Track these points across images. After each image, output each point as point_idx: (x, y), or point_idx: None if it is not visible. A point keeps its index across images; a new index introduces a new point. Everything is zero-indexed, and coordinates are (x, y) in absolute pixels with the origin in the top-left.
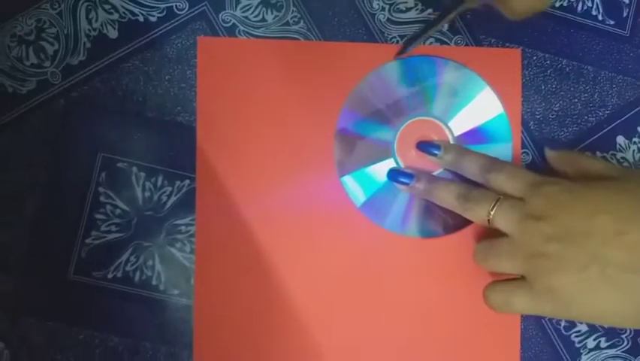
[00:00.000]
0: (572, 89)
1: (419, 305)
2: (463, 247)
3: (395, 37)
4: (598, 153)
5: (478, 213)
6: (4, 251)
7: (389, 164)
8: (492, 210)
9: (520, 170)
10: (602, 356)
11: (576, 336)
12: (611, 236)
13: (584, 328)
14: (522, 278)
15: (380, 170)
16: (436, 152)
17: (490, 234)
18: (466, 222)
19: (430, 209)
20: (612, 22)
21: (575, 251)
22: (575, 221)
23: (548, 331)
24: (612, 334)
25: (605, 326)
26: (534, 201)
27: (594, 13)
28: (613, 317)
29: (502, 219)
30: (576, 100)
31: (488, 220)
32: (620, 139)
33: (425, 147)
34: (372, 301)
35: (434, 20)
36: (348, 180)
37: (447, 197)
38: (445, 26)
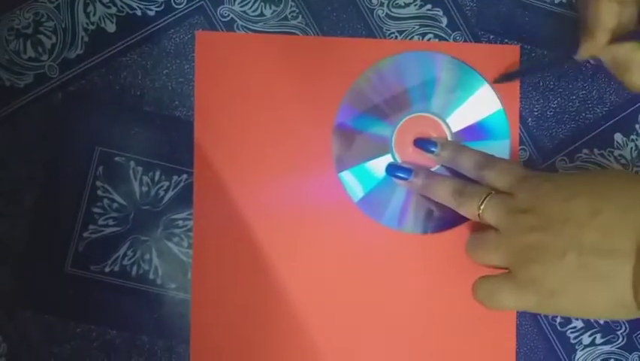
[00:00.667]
0: (570, 85)
1: (416, 301)
2: (460, 242)
3: (394, 32)
4: (595, 150)
5: (470, 208)
6: (1, 245)
7: (387, 160)
8: (481, 205)
9: (512, 166)
10: (597, 352)
11: (571, 332)
12: (586, 218)
13: (579, 324)
14: (509, 272)
15: (378, 166)
16: (433, 149)
17: (483, 228)
18: (463, 219)
19: (427, 205)
20: None
21: (553, 239)
22: (553, 208)
23: (544, 327)
24: (608, 330)
25: (592, 319)
26: (520, 194)
27: None
28: (595, 308)
29: (490, 213)
30: (574, 97)
31: (479, 215)
32: (618, 136)
33: (422, 144)
34: (369, 296)
35: (541, 64)
36: (346, 176)
37: (442, 192)
38: (445, 21)
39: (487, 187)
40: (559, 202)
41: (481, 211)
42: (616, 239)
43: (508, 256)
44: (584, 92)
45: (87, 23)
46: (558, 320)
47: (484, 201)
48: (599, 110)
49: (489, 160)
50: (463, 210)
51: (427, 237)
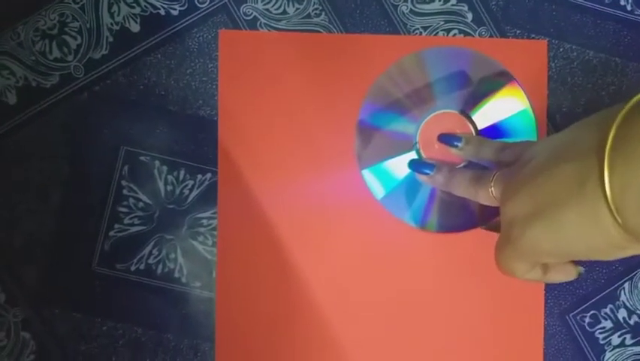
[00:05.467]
0: (599, 81)
1: (440, 299)
2: (485, 241)
3: (418, 28)
4: None
5: (485, 192)
6: (29, 243)
7: (411, 157)
8: (491, 183)
9: (527, 141)
10: (628, 353)
11: (600, 333)
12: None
13: (608, 324)
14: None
15: (402, 163)
16: (457, 143)
17: None
18: (488, 217)
19: (451, 203)
20: None
21: (520, 169)
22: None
23: (572, 327)
24: (638, 330)
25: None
26: (520, 160)
27: (622, 3)
28: (568, 232)
29: (496, 188)
30: (604, 92)
31: (493, 196)
32: None
33: (446, 138)
34: (392, 292)
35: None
36: (369, 173)
37: (462, 184)
38: (470, 16)
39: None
40: (542, 145)
41: (492, 189)
42: (580, 138)
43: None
44: (613, 87)
45: (112, 23)
46: (587, 320)
47: (493, 179)
48: None
49: (508, 144)
50: (481, 197)
51: (451, 235)
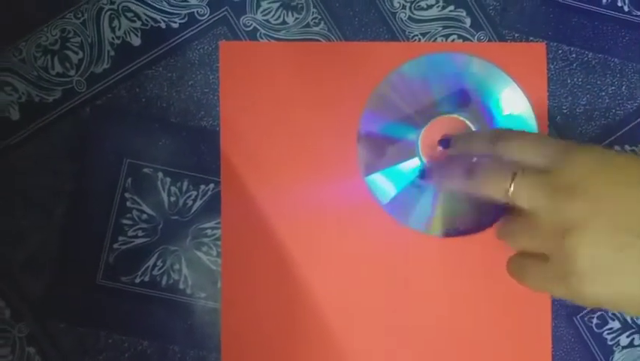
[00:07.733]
0: (598, 82)
1: (447, 303)
2: (489, 245)
3: (417, 35)
4: (627, 147)
5: (492, 187)
6: (33, 258)
7: (414, 162)
8: (511, 184)
9: (543, 136)
10: (637, 353)
11: (608, 333)
12: (637, 205)
13: (616, 325)
14: (545, 256)
15: (405, 169)
16: (450, 143)
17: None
18: (492, 221)
19: (455, 208)
20: (639, 13)
21: (595, 219)
22: (605, 191)
23: (580, 329)
24: None
25: (629, 318)
26: (564, 171)
27: (620, 4)
28: (631, 299)
29: (525, 194)
30: (603, 93)
31: (508, 195)
32: None
33: (445, 143)
34: (398, 299)
35: None
36: (372, 180)
37: (454, 177)
38: (468, 21)
39: (510, 162)
40: (612, 185)
41: (511, 192)
42: None
43: (546, 243)
44: (613, 87)
45: (113, 38)
46: (594, 321)
47: (515, 180)
48: (629, 106)
49: (505, 131)
50: (486, 189)
51: (455, 240)
